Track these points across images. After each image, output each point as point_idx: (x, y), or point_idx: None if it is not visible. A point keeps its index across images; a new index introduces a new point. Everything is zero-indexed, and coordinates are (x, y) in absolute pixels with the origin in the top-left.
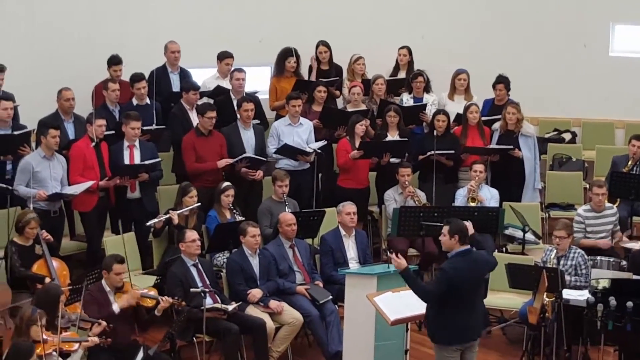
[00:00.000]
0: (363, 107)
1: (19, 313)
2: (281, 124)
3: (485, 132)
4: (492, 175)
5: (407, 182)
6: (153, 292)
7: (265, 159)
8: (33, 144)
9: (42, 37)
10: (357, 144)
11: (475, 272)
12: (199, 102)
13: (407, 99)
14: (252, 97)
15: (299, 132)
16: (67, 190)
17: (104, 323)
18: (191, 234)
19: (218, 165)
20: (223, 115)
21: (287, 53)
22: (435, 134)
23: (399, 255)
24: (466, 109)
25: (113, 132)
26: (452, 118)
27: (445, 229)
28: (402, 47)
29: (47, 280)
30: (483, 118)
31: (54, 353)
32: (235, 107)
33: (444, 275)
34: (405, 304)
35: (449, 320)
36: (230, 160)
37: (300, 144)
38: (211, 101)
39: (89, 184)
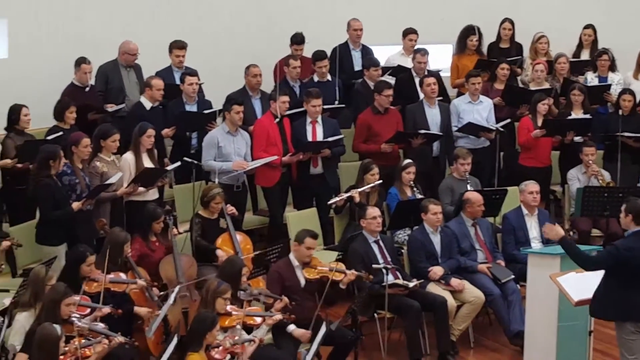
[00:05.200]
0: (546, 85)
1: (204, 285)
2: (461, 102)
3: None
4: None
5: (591, 162)
6: (342, 267)
7: (441, 134)
8: (219, 120)
9: (224, 15)
10: (539, 123)
11: None
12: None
13: (591, 78)
14: (433, 73)
15: (479, 110)
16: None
17: (285, 299)
18: (372, 211)
19: (381, 149)
20: (403, 93)
21: (469, 31)
22: (620, 113)
23: (555, 224)
24: None
25: (301, 109)
26: (638, 97)
27: (623, 207)
28: (587, 27)
29: (219, 252)
30: None
31: (238, 326)
32: (417, 85)
33: (613, 251)
34: (589, 284)
35: (624, 296)
36: (386, 146)
37: (480, 122)
38: (390, 79)
39: (271, 158)
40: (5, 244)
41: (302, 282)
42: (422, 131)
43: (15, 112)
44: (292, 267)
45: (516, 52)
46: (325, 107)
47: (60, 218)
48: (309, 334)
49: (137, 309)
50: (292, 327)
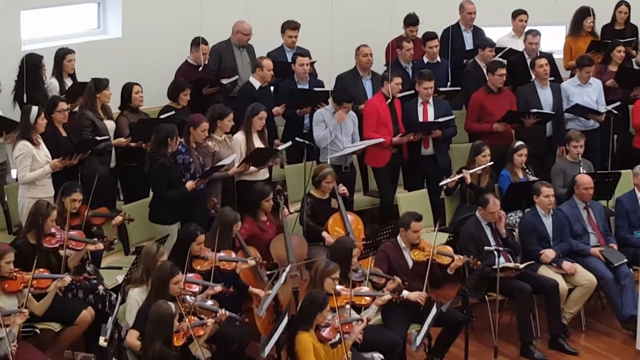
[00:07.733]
0: None
1: (314, 265)
2: (570, 85)
3: None
4: None
5: None
6: (449, 250)
7: (554, 114)
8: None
9: None
10: None
11: None
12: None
13: None
14: (545, 54)
15: (589, 92)
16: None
17: (398, 279)
18: (494, 206)
19: (493, 128)
20: (516, 75)
21: (584, 12)
22: None
23: None
24: None
25: (411, 91)
26: None
27: None
28: None
29: (325, 234)
30: None
31: (347, 306)
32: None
33: None
34: None
35: None
36: (499, 125)
37: (590, 104)
38: (502, 59)
39: (377, 140)
40: (118, 218)
41: (410, 263)
42: (534, 110)
43: (127, 90)
44: (400, 248)
45: (631, 34)
46: (441, 89)
47: (175, 198)
48: (424, 295)
49: (251, 289)
50: (405, 293)
